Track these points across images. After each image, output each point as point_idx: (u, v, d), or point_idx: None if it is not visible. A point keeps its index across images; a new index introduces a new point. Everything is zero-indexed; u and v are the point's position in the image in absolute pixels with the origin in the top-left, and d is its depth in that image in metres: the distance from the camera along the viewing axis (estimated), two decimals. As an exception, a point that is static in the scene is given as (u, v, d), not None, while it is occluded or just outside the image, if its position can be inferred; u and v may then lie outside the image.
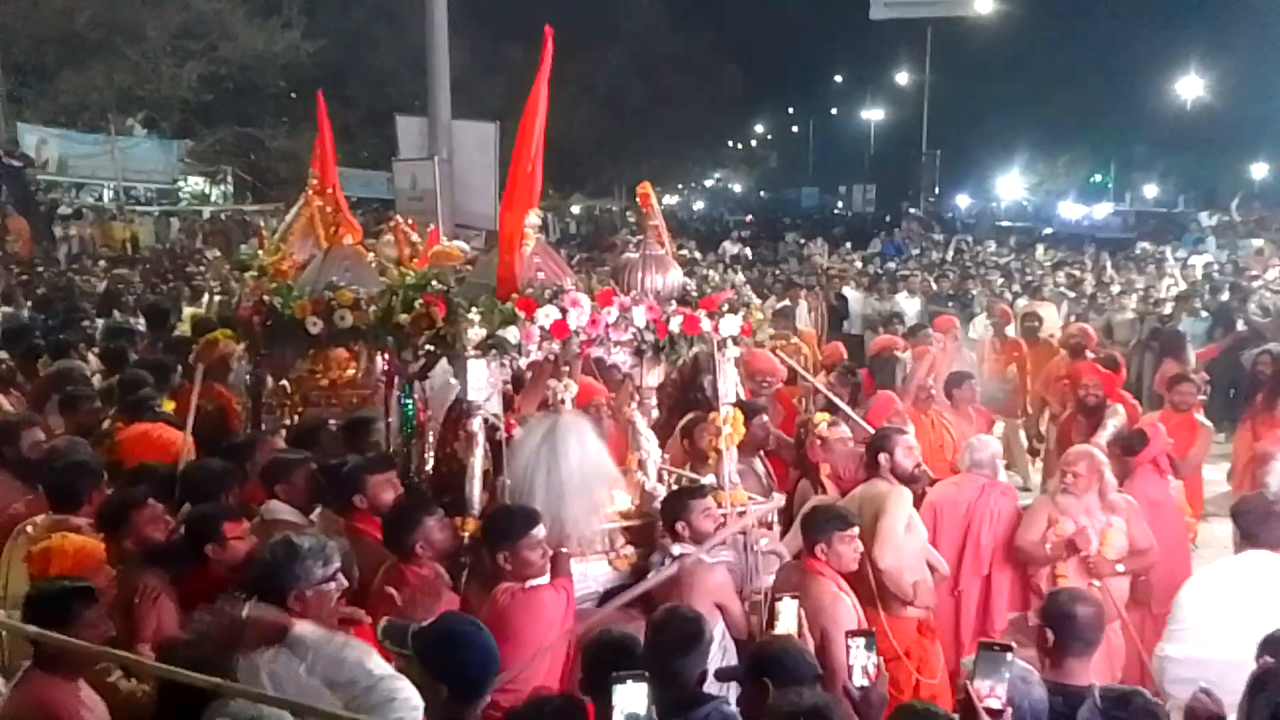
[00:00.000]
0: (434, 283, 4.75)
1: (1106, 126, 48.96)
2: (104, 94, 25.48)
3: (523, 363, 4.55)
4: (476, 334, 4.42)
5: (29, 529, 4.47)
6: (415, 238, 6.59)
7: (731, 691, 3.85)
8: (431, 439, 5.35)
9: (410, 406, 5.43)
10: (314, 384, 6.45)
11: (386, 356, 5.73)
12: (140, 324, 11.17)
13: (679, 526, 4.60)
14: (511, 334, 4.39)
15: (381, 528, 4.44)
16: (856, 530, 4.73)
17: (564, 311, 4.46)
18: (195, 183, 30.64)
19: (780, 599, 4.22)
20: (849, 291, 16.46)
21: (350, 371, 6.54)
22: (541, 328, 4.44)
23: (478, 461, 4.57)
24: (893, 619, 5.12)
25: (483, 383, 4.50)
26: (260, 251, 6.54)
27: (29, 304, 12.33)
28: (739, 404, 5.19)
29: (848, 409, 6.79)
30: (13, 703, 3.35)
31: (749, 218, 44.63)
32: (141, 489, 4.49)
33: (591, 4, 36.46)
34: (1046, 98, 49.20)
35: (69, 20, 24.10)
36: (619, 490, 4.82)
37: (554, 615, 4.12)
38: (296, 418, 6.33)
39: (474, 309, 4.42)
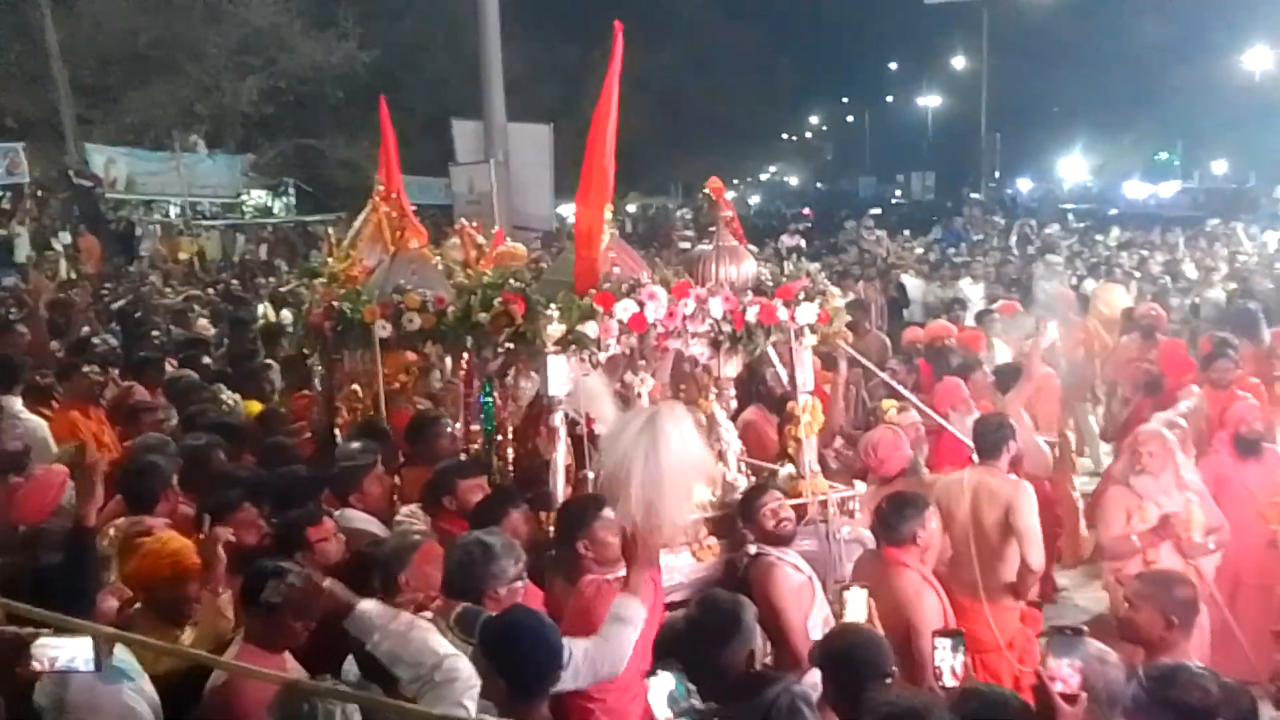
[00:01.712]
0: (512, 280, 4.80)
1: (1171, 102, 47.80)
2: (168, 112, 26.05)
3: (601, 357, 4.59)
4: (556, 330, 4.47)
5: (111, 530, 4.59)
6: (481, 240, 6.66)
7: None
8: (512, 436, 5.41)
9: (491, 405, 5.48)
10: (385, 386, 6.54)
11: (466, 356, 5.77)
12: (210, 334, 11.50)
13: (750, 528, 4.62)
14: (590, 329, 4.44)
15: (469, 521, 4.48)
16: (934, 513, 4.69)
17: (641, 305, 4.49)
18: (258, 196, 31.17)
19: (849, 587, 4.21)
20: (908, 279, 16.31)
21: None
22: (620, 321, 4.48)
23: (560, 456, 4.62)
24: (996, 609, 5.08)
25: (563, 378, 4.55)
26: (330, 259, 6.65)
27: (107, 321, 12.60)
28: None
29: (911, 396, 6.73)
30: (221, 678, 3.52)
31: (806, 210, 44.37)
32: (236, 493, 4.58)
33: (644, 3, 36.53)
34: (1107, 76, 48.28)
35: (132, 41, 24.68)
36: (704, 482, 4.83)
37: (645, 604, 4.13)
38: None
39: (552, 305, 4.46)
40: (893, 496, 4.79)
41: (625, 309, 4.46)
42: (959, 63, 52.54)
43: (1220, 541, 5.62)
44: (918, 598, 4.44)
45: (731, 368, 4.90)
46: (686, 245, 16.30)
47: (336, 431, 6.26)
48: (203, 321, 12.74)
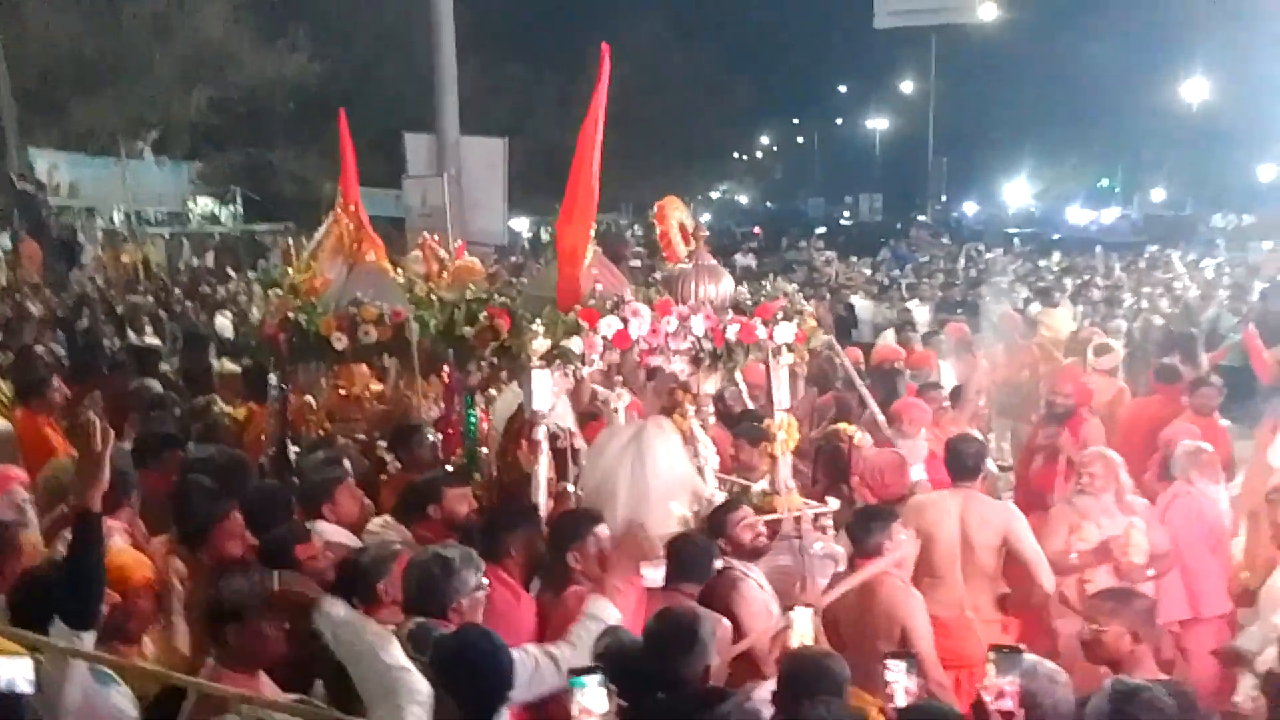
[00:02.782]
0: (496, 296, 4.86)
1: (1113, 130, 49.01)
2: (113, 120, 25.70)
3: (584, 372, 4.65)
4: (541, 345, 4.52)
5: (68, 533, 4.50)
6: (443, 254, 6.67)
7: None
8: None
9: (474, 417, 5.51)
10: (338, 399, 6.52)
11: (447, 370, 5.80)
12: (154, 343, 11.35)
13: (720, 541, 4.64)
14: (575, 344, 4.50)
15: (476, 538, 4.46)
16: (901, 527, 4.81)
17: (625, 321, 4.56)
18: (205, 204, 30.82)
19: (792, 608, 4.27)
20: (857, 300, 16.51)
21: (376, 386, 6.61)
22: (604, 338, 4.54)
23: (542, 470, 4.67)
24: (983, 625, 5.23)
25: (547, 393, 4.60)
26: (290, 269, 6.62)
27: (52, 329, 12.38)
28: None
29: (880, 414, 6.80)
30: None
31: (756, 229, 44.71)
32: (228, 501, 4.54)
33: (597, 21, 36.67)
34: (1052, 102, 49.31)
35: (78, 48, 24.33)
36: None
37: (624, 614, 4.17)
38: (322, 433, 6.38)
39: (538, 320, 4.52)
40: (859, 511, 4.90)
41: (609, 325, 4.54)
42: (907, 86, 53.36)
43: (1163, 569, 5.74)
44: (906, 600, 4.57)
45: (710, 385, 4.99)
46: (636, 263, 16.42)
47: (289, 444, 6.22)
48: (148, 330, 12.59)
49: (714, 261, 4.95)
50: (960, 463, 5.61)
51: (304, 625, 3.69)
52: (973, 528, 5.38)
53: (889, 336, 11.92)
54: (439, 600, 3.75)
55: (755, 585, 4.59)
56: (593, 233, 4.88)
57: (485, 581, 3.86)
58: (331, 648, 3.62)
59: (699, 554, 4.37)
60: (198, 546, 4.39)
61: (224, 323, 13.44)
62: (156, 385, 7.95)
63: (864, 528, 4.74)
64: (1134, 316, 14.47)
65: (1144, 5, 42.16)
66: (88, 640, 3.28)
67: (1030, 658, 3.39)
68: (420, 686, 3.41)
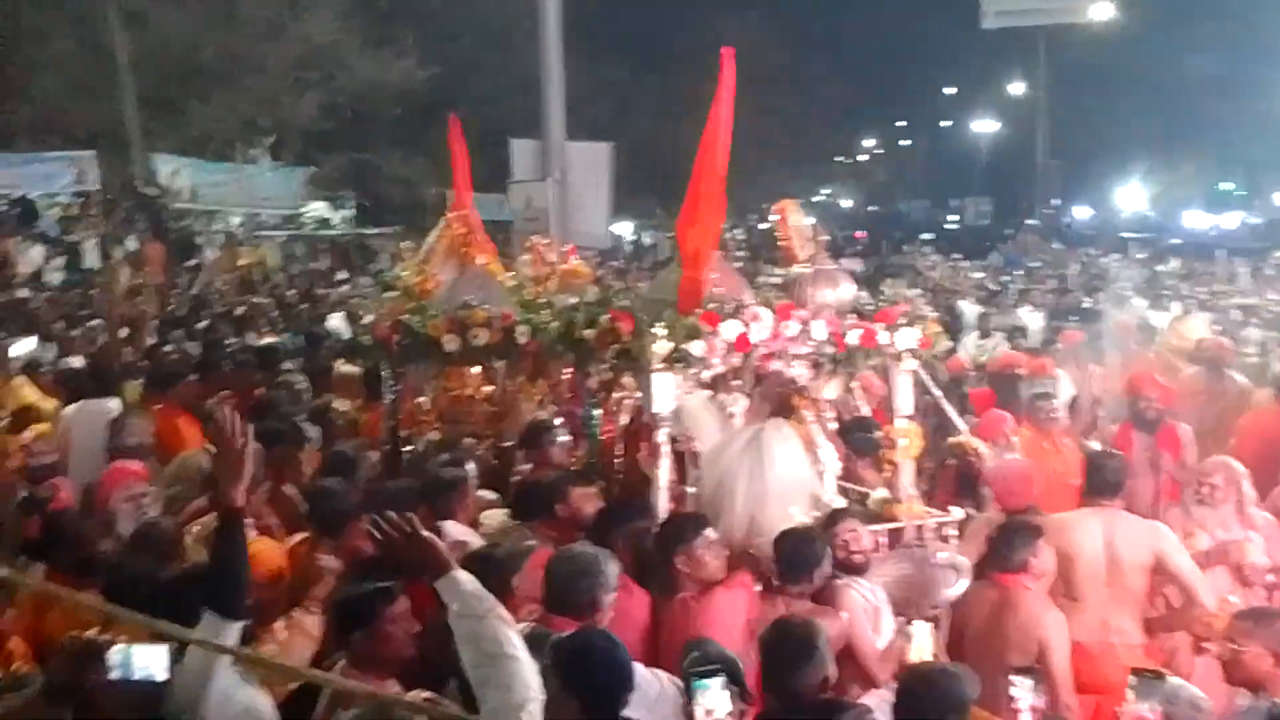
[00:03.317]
0: (617, 299, 4.91)
1: (1233, 131, 47.11)
2: (229, 124, 26.54)
3: (705, 375, 4.67)
4: (662, 348, 4.52)
5: (195, 527, 4.64)
6: (552, 257, 6.72)
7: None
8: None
9: (596, 420, 5.54)
10: (449, 399, 6.60)
11: (569, 373, 5.83)
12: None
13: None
14: (697, 348, 4.50)
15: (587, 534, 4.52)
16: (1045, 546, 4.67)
17: (746, 325, 4.55)
18: (317, 208, 31.62)
19: (911, 622, 4.19)
20: (964, 305, 16.16)
21: (487, 388, 6.67)
22: (726, 341, 4.53)
23: (663, 473, 4.67)
24: (1127, 650, 5.02)
25: (668, 396, 4.61)
26: (404, 272, 6.73)
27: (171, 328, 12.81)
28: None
29: (961, 425, 6.64)
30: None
31: (860, 233, 44.15)
32: (349, 507, 4.64)
33: (699, 24, 36.63)
34: (1168, 103, 47.66)
35: (196, 54, 25.20)
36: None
37: (734, 617, 4.13)
38: (435, 433, 6.47)
39: (659, 324, 4.52)
40: (1004, 525, 4.78)
41: (731, 329, 4.52)
42: (1016, 88, 52.08)
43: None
44: (1047, 615, 4.45)
45: (830, 390, 4.95)
46: (739, 265, 16.28)
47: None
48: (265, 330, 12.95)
49: (834, 265, 4.89)
50: (1101, 479, 5.39)
51: (438, 622, 3.70)
52: (1120, 548, 5.16)
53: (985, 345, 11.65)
54: (589, 599, 3.77)
55: (860, 596, 4.51)
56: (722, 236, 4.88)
57: (616, 585, 3.89)
58: (450, 621, 3.60)
59: (806, 552, 4.30)
60: (333, 543, 4.46)
61: (338, 324, 13.74)
62: (301, 380, 8.09)
63: (1008, 542, 4.62)
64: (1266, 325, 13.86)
65: (1263, 4, 40.47)
66: (234, 630, 3.34)
67: (1174, 682, 3.27)
68: (531, 677, 3.39)
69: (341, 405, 7.71)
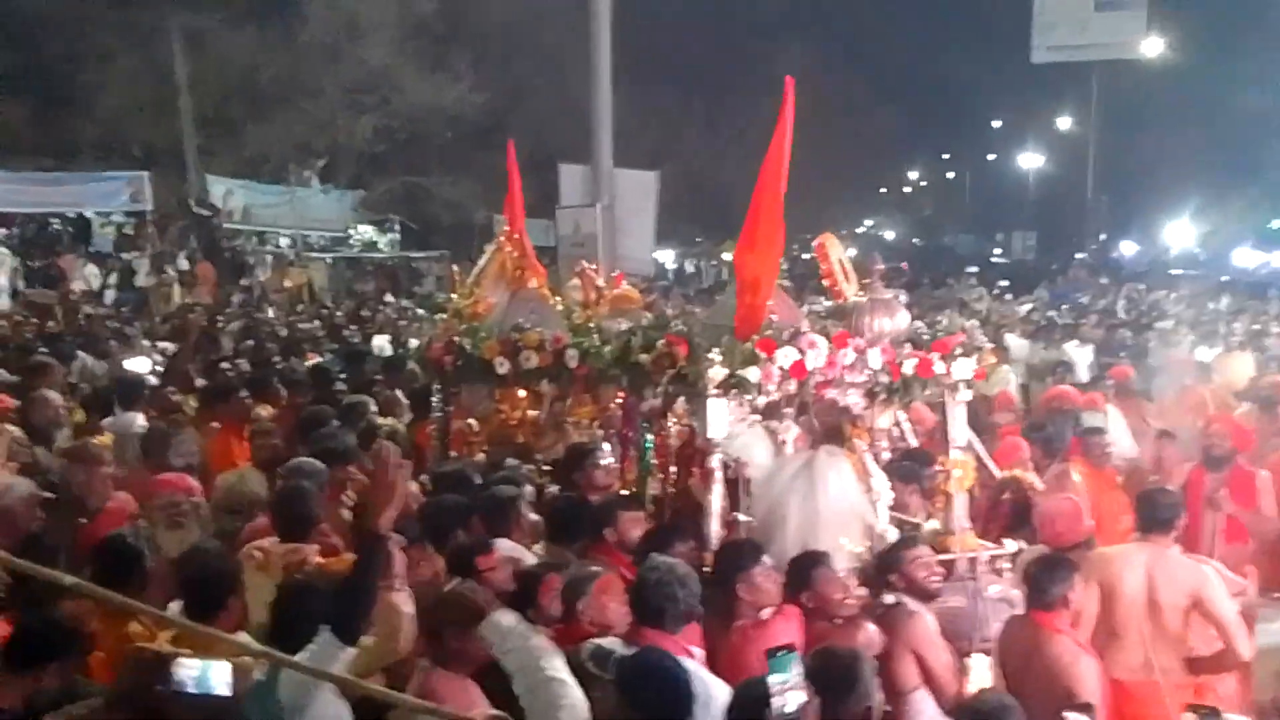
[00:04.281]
0: (675, 324, 4.93)
1: (1287, 170, 46.48)
2: (284, 146, 26.98)
3: (760, 401, 4.67)
4: (718, 373, 4.54)
5: (256, 553, 4.69)
6: (601, 282, 6.76)
7: None
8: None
9: (650, 444, 5.56)
10: (500, 422, 6.64)
11: (621, 397, 5.86)
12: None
13: (893, 578, 4.56)
14: (753, 374, 4.51)
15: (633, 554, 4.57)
16: (1083, 581, 4.61)
17: (802, 352, 4.55)
18: (365, 231, 32.00)
19: (970, 654, 4.15)
20: (1012, 339, 16.02)
21: (534, 412, 6.71)
22: (781, 368, 4.54)
23: (716, 499, 4.68)
24: (1170, 689, 4.96)
25: (723, 421, 4.63)
26: (454, 295, 6.80)
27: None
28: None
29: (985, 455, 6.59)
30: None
31: (904, 265, 43.81)
32: (413, 527, 4.68)
33: (744, 50, 36.78)
34: (1218, 141, 47.10)
35: (253, 76, 25.66)
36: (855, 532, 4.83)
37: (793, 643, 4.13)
38: (483, 455, 6.51)
39: (715, 349, 4.54)
40: (1043, 559, 4.71)
41: (787, 356, 4.53)
42: (1064, 122, 51.78)
43: None
44: (1075, 663, 4.37)
45: (885, 419, 4.93)
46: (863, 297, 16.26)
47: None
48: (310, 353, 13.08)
49: (889, 295, 4.88)
50: (1152, 514, 5.31)
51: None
52: (1160, 586, 5.09)
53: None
54: (668, 611, 3.83)
55: (932, 621, 4.48)
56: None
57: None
58: (499, 658, 3.67)
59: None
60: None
61: (382, 344, 13.87)
62: (362, 399, 8.13)
63: (1047, 577, 4.56)
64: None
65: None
66: (349, 654, 3.40)
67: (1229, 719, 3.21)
68: (577, 699, 3.45)
69: (387, 423, 7.77)
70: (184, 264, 21.68)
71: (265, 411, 7.80)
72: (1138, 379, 11.07)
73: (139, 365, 9.71)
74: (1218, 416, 8.47)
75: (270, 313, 17.67)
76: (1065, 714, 3.48)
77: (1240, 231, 50.75)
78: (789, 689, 3.10)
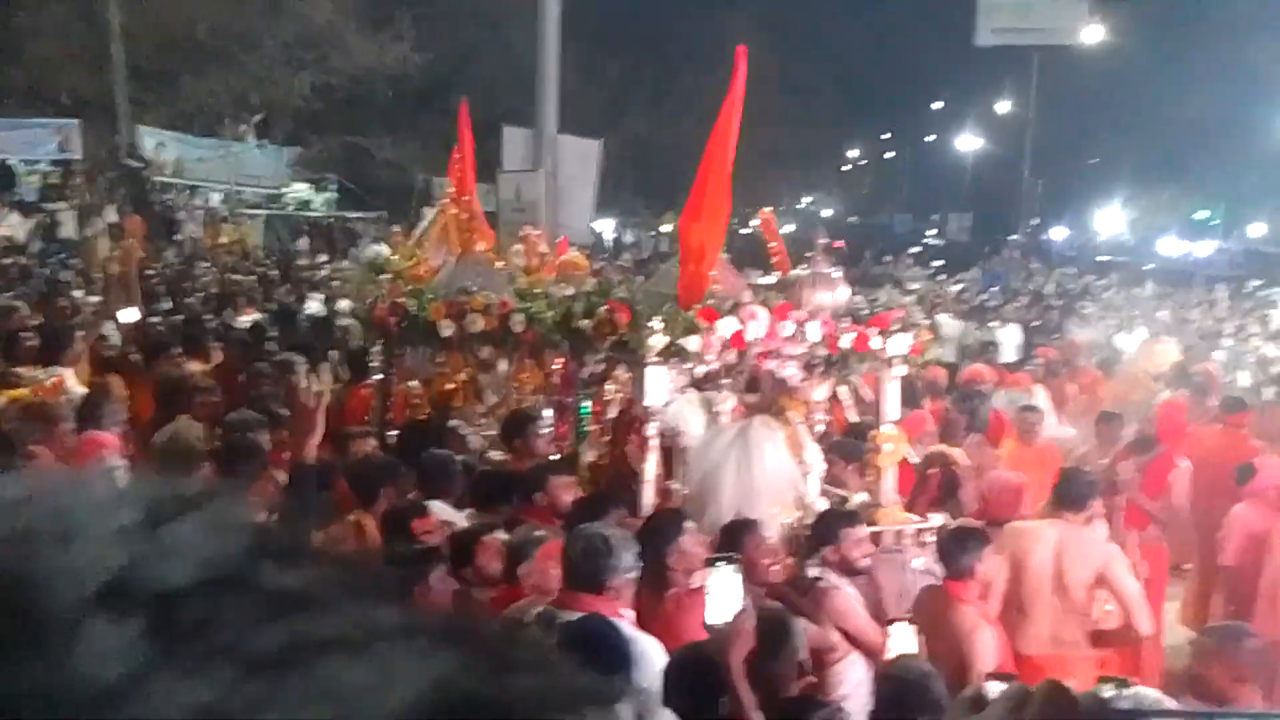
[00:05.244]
0: (617, 290, 4.94)
1: (1213, 162, 47.65)
2: (221, 100, 26.37)
3: (699, 371, 4.70)
4: (659, 341, 4.57)
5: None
6: (544, 248, 6.75)
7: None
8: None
9: (587, 410, 5.58)
10: (442, 385, 6.64)
11: (561, 362, 5.88)
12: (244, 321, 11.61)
13: (827, 551, 4.64)
14: (693, 343, 4.54)
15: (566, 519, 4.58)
16: (993, 553, 4.75)
17: (743, 323, 4.59)
18: (300, 189, 31.46)
19: (892, 622, 4.26)
20: (944, 319, 16.31)
21: (479, 375, 6.70)
22: (722, 338, 4.58)
23: (651, 466, 4.70)
24: (1074, 662, 5.09)
25: (662, 390, 4.66)
26: (395, 256, 6.76)
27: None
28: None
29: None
30: None
31: (839, 243, 44.11)
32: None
33: (690, 22, 36.68)
34: (1151, 131, 48.14)
35: (192, 27, 25.01)
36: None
37: None
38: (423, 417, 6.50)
39: (657, 317, 4.57)
40: (955, 529, 4.83)
41: (728, 325, 4.57)
42: (1003, 106, 52.45)
43: None
44: (974, 633, 4.46)
45: (821, 391, 5.00)
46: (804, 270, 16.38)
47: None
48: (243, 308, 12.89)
49: (831, 270, 4.95)
50: (1066, 492, 5.46)
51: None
52: (1067, 562, 5.25)
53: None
54: (598, 575, 3.82)
55: (853, 592, 4.59)
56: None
57: (638, 566, 3.93)
58: None
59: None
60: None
61: (316, 306, 13.72)
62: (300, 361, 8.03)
63: (958, 548, 4.68)
64: (1236, 354, 14.08)
65: (1250, 39, 40.96)
66: None
67: (1140, 690, 3.33)
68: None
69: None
70: (112, 216, 21.15)
71: (198, 367, 7.70)
72: (1061, 361, 11.38)
73: (130, 315, 9.56)
74: (1169, 405, 8.71)
75: (202, 268, 17.33)
76: (986, 683, 3.58)
77: (1166, 221, 52.01)
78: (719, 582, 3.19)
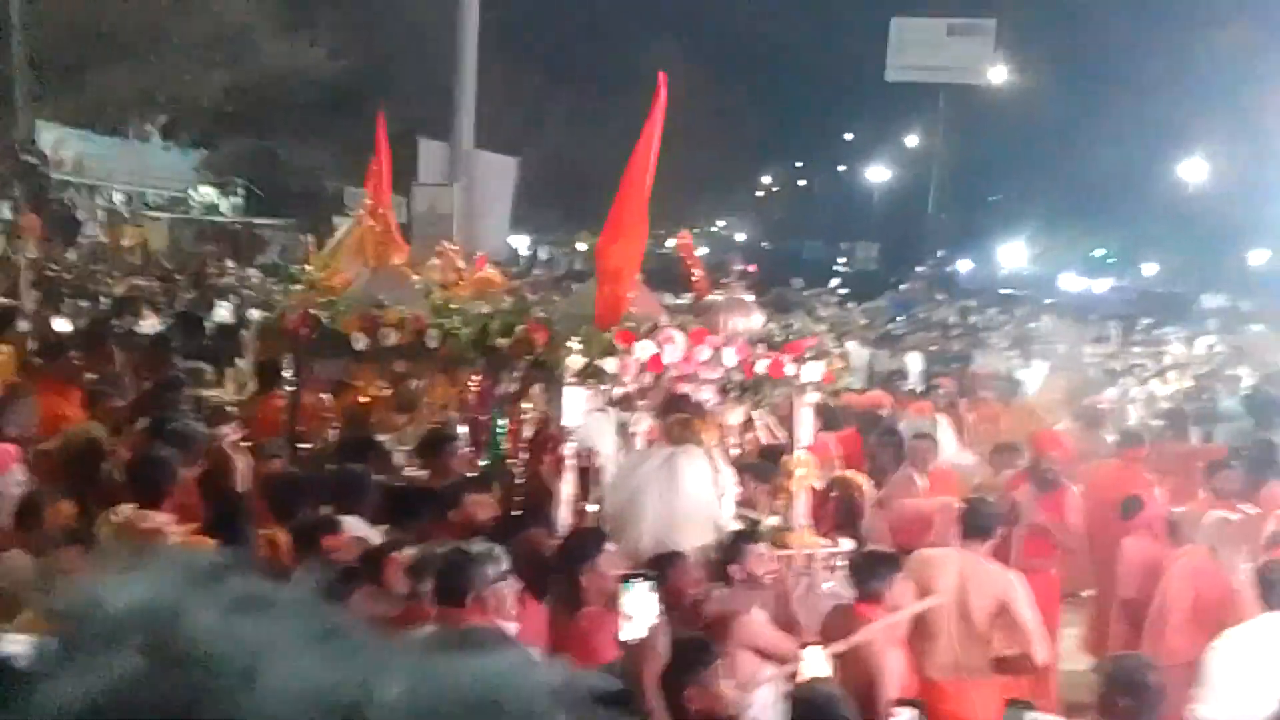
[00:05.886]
0: (535, 310, 4.91)
1: (1111, 202, 49.54)
2: (125, 96, 25.63)
3: (616, 393, 4.70)
4: (576, 362, 4.55)
5: (112, 516, 4.51)
6: (461, 263, 6.70)
7: None
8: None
9: (502, 429, 5.54)
10: (354, 400, 6.54)
11: (477, 380, 5.82)
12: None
13: (733, 569, 4.67)
14: (610, 364, 4.53)
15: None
16: (905, 579, 4.83)
17: (660, 347, 4.61)
18: (206, 192, 30.74)
19: (805, 645, 4.30)
20: (852, 346, 16.58)
21: (388, 391, 6.62)
22: (639, 360, 4.58)
23: (566, 487, 4.68)
24: (979, 686, 5.21)
25: (578, 410, 4.64)
26: (308, 266, 6.64)
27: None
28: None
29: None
30: None
31: (752, 267, 44.62)
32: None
33: (611, 43, 36.88)
34: (1053, 170, 49.81)
35: (97, 20, 24.28)
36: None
37: None
38: (334, 431, 6.39)
39: (575, 338, 4.56)
40: (867, 552, 4.91)
41: (645, 348, 4.57)
42: (912, 140, 53.83)
43: None
44: (882, 654, 4.54)
45: (735, 415, 5.04)
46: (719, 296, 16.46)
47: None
48: (147, 313, 12.54)
49: (745, 296, 5.01)
50: (973, 522, 5.60)
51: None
52: (971, 590, 5.37)
53: None
54: (463, 588, 3.79)
55: (759, 614, 4.63)
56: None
57: (507, 576, 3.89)
58: None
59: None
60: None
61: (223, 312, 13.42)
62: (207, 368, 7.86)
63: (870, 572, 4.77)
64: (1127, 389, 14.59)
65: (1151, 85, 42.74)
66: None
67: (1039, 716, 3.43)
68: None
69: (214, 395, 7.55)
70: (6, 214, 20.43)
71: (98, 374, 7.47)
72: (961, 390, 11.65)
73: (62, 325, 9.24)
74: (1043, 434, 8.93)
75: (103, 270, 16.82)
76: (892, 710, 3.65)
77: (1067, 257, 53.76)
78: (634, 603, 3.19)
